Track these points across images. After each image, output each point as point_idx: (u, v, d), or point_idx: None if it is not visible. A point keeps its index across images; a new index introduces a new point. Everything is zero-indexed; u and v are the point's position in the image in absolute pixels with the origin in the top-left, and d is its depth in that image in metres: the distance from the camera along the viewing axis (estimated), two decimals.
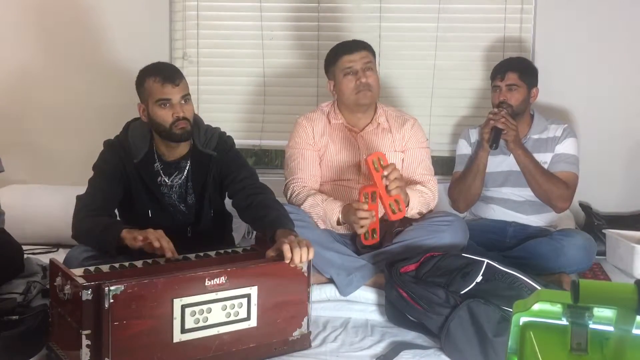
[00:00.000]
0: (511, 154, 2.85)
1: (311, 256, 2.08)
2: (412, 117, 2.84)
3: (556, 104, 3.18)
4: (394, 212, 2.47)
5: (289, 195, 2.70)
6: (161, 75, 2.32)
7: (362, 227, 2.46)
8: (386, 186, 2.45)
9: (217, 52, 3.57)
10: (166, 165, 2.44)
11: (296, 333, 2.13)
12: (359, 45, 2.72)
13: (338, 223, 2.56)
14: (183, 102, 2.33)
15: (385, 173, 2.43)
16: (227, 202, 2.54)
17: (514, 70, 2.89)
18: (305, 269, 2.11)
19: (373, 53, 2.76)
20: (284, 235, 2.15)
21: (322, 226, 2.60)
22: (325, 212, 2.56)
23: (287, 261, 2.04)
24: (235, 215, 2.54)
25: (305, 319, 2.14)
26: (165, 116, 2.32)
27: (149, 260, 2.12)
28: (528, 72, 2.93)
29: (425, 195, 2.65)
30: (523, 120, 2.93)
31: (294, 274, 2.10)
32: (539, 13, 3.39)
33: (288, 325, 2.11)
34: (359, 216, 2.43)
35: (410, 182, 2.72)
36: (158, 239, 2.12)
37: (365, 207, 2.43)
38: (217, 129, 2.52)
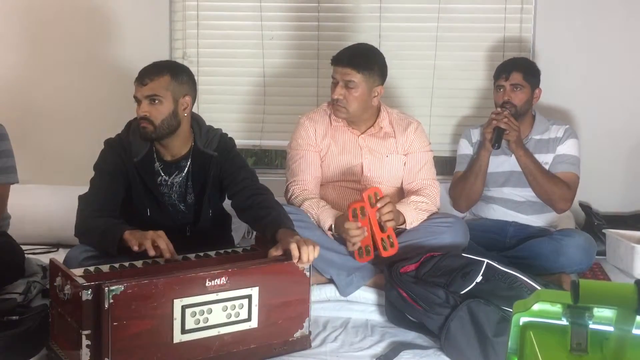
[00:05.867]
0: (513, 155, 2.85)
1: (317, 254, 2.08)
2: (416, 120, 2.81)
3: (556, 104, 3.18)
4: (385, 249, 2.45)
5: (288, 197, 2.69)
6: (138, 74, 2.36)
7: (354, 244, 2.44)
8: (379, 222, 2.43)
9: (217, 52, 3.56)
10: (166, 165, 2.44)
11: (297, 334, 2.13)
12: (343, 61, 2.60)
13: (330, 230, 2.53)
14: (149, 102, 2.32)
15: (379, 205, 2.41)
16: (227, 202, 2.54)
17: (519, 70, 2.88)
18: (307, 268, 2.10)
19: (367, 68, 2.58)
20: (285, 235, 2.15)
21: None
22: (318, 219, 2.55)
23: (295, 260, 2.05)
24: (234, 216, 2.54)
25: (306, 320, 2.14)
26: (137, 113, 2.36)
27: (149, 260, 2.11)
28: (532, 72, 2.93)
29: (422, 205, 2.62)
30: (525, 120, 2.93)
31: (296, 274, 2.09)
32: (539, 13, 3.39)
33: (289, 326, 2.11)
34: (351, 234, 2.41)
35: (408, 192, 2.72)
36: (155, 240, 2.11)
37: (356, 225, 2.39)
38: (219, 130, 2.52)
